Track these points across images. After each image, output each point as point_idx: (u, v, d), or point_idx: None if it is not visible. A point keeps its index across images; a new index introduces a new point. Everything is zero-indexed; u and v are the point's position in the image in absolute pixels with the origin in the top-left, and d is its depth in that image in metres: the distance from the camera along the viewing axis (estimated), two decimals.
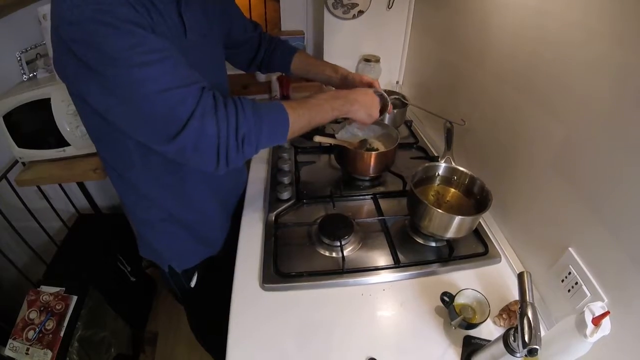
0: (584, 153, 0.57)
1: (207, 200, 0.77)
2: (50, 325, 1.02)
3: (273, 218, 0.81)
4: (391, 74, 1.34)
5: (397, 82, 1.30)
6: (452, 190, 0.80)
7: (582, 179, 0.58)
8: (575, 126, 0.59)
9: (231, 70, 1.40)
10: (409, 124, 1.19)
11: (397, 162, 0.94)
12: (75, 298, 1.07)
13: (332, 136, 0.91)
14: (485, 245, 0.76)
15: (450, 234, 0.70)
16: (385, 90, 1.17)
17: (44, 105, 0.97)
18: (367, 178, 0.94)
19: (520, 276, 0.53)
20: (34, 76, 1.09)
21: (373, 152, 0.85)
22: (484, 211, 0.68)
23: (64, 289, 1.08)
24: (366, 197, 0.88)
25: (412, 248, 0.76)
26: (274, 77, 1.22)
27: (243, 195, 0.90)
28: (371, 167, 0.88)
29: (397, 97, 1.13)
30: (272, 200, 0.85)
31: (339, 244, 0.73)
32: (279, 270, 0.70)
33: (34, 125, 1.02)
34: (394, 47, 1.29)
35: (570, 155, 0.60)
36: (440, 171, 0.80)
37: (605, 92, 0.52)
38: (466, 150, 0.94)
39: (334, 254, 0.74)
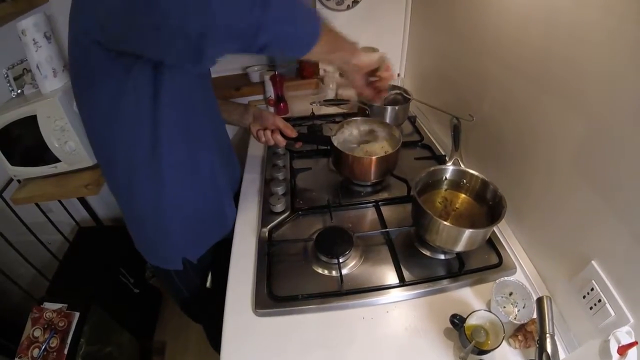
0: (610, 150, 0.49)
1: (208, 186, 0.75)
2: (54, 343, 1.01)
3: (267, 233, 0.76)
4: (391, 67, 1.25)
5: (398, 75, 1.21)
6: (462, 195, 0.73)
7: (608, 182, 0.50)
8: (598, 117, 0.51)
9: (223, 72, 1.35)
10: (412, 120, 1.11)
11: (400, 163, 0.86)
12: (77, 315, 1.06)
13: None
14: (500, 256, 0.69)
15: (460, 248, 0.63)
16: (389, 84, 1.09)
17: (31, 122, 0.95)
18: (368, 184, 0.87)
19: (539, 302, 0.46)
20: (22, 92, 1.06)
21: (374, 157, 0.78)
22: (498, 221, 0.61)
23: (66, 305, 1.07)
24: (367, 205, 0.82)
25: (419, 262, 0.70)
26: (267, 77, 1.16)
27: (239, 191, 0.89)
28: (372, 173, 0.81)
29: (398, 92, 1.05)
30: (265, 212, 0.80)
31: (336, 261, 0.67)
32: (273, 293, 0.65)
33: (24, 143, 1.00)
34: (393, 38, 1.20)
35: (594, 153, 0.52)
36: (448, 175, 0.73)
37: (631, 73, 0.44)
38: (475, 148, 0.86)
39: (333, 272, 0.68)
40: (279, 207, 0.78)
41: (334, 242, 0.70)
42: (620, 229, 0.49)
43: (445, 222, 0.60)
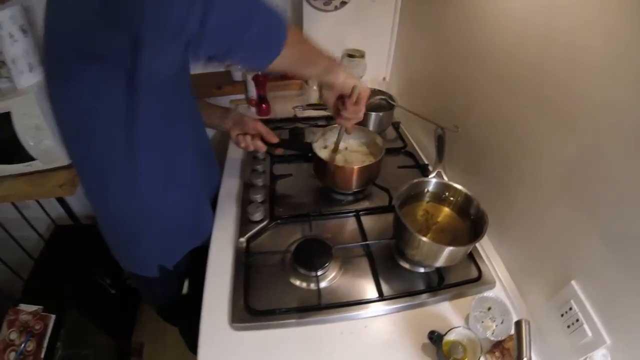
0: (600, 173, 0.49)
1: (185, 190, 0.73)
2: (30, 346, 0.98)
3: (244, 243, 0.73)
4: (377, 70, 1.24)
5: (384, 79, 1.20)
6: (444, 209, 0.72)
7: (595, 204, 0.50)
8: (591, 141, 0.50)
9: (205, 69, 1.29)
10: (396, 126, 1.10)
11: (383, 171, 0.85)
12: (53, 317, 1.03)
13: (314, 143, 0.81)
14: (479, 269, 0.69)
15: (440, 264, 0.63)
16: (371, 89, 1.08)
17: (5, 119, 0.90)
18: (350, 192, 0.85)
19: (517, 326, 0.46)
20: None
21: (355, 167, 0.76)
22: (479, 239, 0.60)
23: (42, 307, 1.04)
24: (348, 214, 0.80)
25: (398, 275, 0.69)
26: (249, 76, 1.12)
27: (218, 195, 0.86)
28: (353, 182, 0.79)
29: (383, 97, 1.03)
30: (243, 221, 0.77)
31: (315, 274, 0.66)
32: (250, 307, 0.62)
33: None
34: (381, 41, 1.18)
35: (582, 174, 0.52)
36: (431, 187, 0.72)
37: (629, 102, 0.44)
38: (459, 160, 0.86)
39: (311, 285, 0.66)
40: (257, 216, 0.76)
41: (313, 255, 0.68)
42: (602, 251, 0.49)
43: (425, 239, 0.59)
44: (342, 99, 0.66)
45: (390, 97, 1.03)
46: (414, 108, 0.99)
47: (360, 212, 0.80)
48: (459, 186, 0.69)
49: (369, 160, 0.84)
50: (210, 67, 1.27)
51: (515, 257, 0.69)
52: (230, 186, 0.87)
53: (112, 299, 1.37)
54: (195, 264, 0.80)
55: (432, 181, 0.71)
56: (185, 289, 0.86)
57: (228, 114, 0.84)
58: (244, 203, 0.80)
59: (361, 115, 0.67)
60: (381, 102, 1.04)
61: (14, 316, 1.00)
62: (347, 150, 0.87)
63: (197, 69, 1.25)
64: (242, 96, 1.21)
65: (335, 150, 0.80)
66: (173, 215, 0.72)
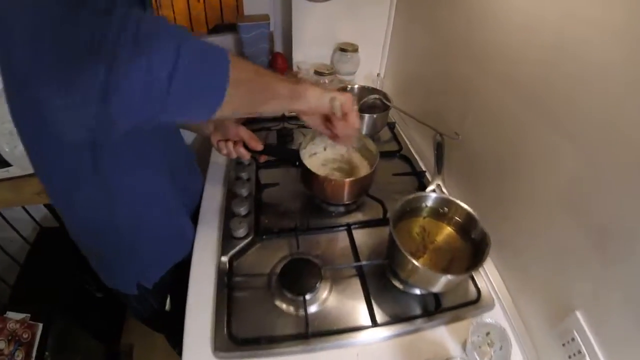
0: (605, 192, 0.45)
1: (163, 200, 0.68)
2: (19, 356, 0.95)
3: (227, 262, 0.67)
4: (371, 65, 1.16)
5: (378, 75, 1.12)
6: (443, 226, 0.67)
7: (601, 226, 0.46)
8: (594, 156, 0.46)
9: None
10: (391, 126, 1.04)
11: (377, 178, 0.79)
12: (40, 326, 1.00)
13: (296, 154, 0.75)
14: (478, 289, 0.65)
15: (436, 289, 0.59)
16: (364, 87, 1.01)
17: None
18: (341, 204, 0.80)
19: None
20: None
21: (347, 180, 0.70)
22: (479, 265, 0.56)
23: (29, 315, 1.00)
24: (339, 228, 0.75)
25: (392, 297, 0.64)
26: None
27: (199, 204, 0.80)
28: (345, 195, 0.73)
29: (377, 97, 0.96)
30: (226, 237, 0.71)
31: (302, 298, 0.61)
32: (233, 335, 0.58)
33: None
34: (375, 34, 1.10)
35: (587, 193, 0.48)
36: (429, 202, 0.67)
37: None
38: (457, 168, 0.81)
39: (300, 312, 0.61)
40: (240, 232, 0.70)
41: (300, 277, 0.63)
42: (610, 281, 0.45)
43: (420, 265, 0.54)
44: (328, 118, 0.58)
45: (385, 96, 0.96)
46: (410, 108, 0.93)
47: (352, 226, 0.75)
48: (461, 203, 0.64)
49: (362, 167, 0.78)
50: None
51: (516, 277, 0.65)
52: (213, 196, 0.81)
53: (98, 303, 1.34)
54: (177, 280, 0.75)
55: (431, 196, 0.66)
56: (167, 306, 0.81)
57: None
58: (227, 216, 0.74)
59: (356, 125, 0.58)
60: (375, 102, 0.97)
61: (2, 324, 0.96)
62: (339, 157, 0.80)
63: None
64: None
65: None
66: (148, 235, 0.68)
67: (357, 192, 0.75)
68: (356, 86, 0.99)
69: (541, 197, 0.57)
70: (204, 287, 0.65)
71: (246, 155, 0.75)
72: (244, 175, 0.82)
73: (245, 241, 0.70)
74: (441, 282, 0.56)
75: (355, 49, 1.06)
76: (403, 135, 1.02)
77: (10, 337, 0.96)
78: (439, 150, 0.75)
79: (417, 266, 0.55)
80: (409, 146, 0.98)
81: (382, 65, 1.16)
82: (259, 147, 0.74)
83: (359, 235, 0.74)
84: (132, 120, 0.35)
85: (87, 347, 1.17)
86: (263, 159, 0.78)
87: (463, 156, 0.79)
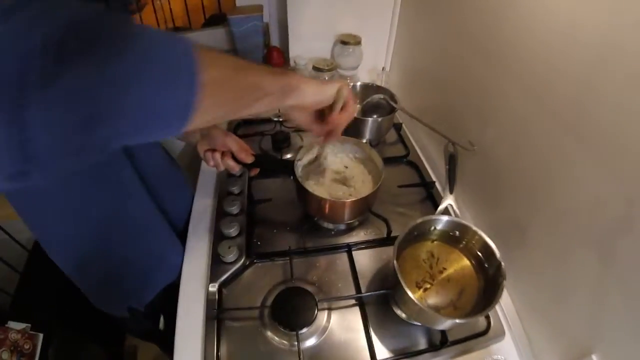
0: (637, 234, 0.38)
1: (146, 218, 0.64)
2: None
3: (216, 291, 0.62)
4: (375, 59, 1.05)
5: (383, 69, 1.02)
6: (454, 251, 0.60)
7: (628, 267, 0.40)
8: (635, 194, 0.38)
9: None
10: (398, 128, 0.95)
11: (381, 190, 0.71)
12: (41, 336, 0.99)
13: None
14: (488, 319, 0.58)
15: (441, 328, 0.52)
16: (368, 85, 0.91)
17: None
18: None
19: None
20: None
21: (347, 201, 0.62)
22: (491, 305, 0.48)
23: (29, 325, 0.99)
24: (338, 250, 0.68)
25: (395, 329, 0.58)
26: None
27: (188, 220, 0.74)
28: (345, 215, 0.66)
29: (382, 96, 0.87)
30: (215, 261, 0.65)
31: (295, 333, 0.55)
32: None
33: None
34: (379, 24, 0.99)
35: (615, 230, 0.41)
36: (439, 226, 0.59)
37: None
38: (470, 181, 0.72)
39: (293, 346, 0.56)
40: (229, 258, 0.64)
41: (294, 310, 0.57)
42: (632, 327, 0.40)
43: (425, 307, 0.48)
44: (320, 114, 0.51)
45: (392, 96, 0.86)
46: (419, 107, 0.84)
47: (353, 247, 0.68)
48: (478, 231, 0.55)
49: (366, 181, 0.70)
50: None
51: (529, 304, 0.59)
52: (201, 213, 0.74)
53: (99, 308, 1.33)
54: (170, 300, 0.71)
55: (441, 219, 0.58)
56: (161, 325, 0.77)
57: None
58: (216, 238, 0.68)
59: (354, 114, 0.52)
60: (380, 102, 0.88)
61: (4, 335, 0.95)
62: (341, 168, 0.72)
63: None
64: None
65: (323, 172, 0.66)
66: (130, 262, 0.64)
67: (358, 212, 0.68)
68: (359, 84, 0.90)
69: (563, 225, 0.50)
70: (193, 317, 0.60)
71: (235, 168, 0.68)
72: (235, 189, 0.75)
73: (235, 267, 0.64)
74: (447, 324, 0.49)
75: (357, 42, 0.96)
76: (411, 138, 0.93)
77: (12, 348, 0.95)
78: (452, 163, 0.66)
79: (421, 308, 0.48)
80: (417, 151, 0.89)
81: (388, 58, 1.06)
82: (249, 159, 0.67)
83: (360, 256, 0.67)
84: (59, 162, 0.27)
85: (89, 353, 1.17)
86: (254, 172, 0.71)
87: (477, 169, 0.70)
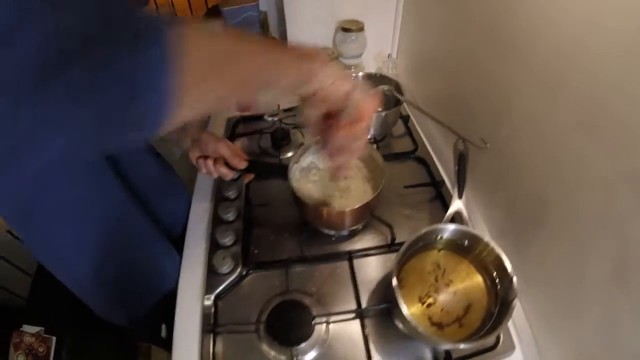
0: None
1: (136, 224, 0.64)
2: None
3: (212, 304, 0.60)
4: (381, 44, 0.97)
5: (389, 56, 0.94)
6: (462, 261, 0.55)
7: None
8: None
9: None
10: (405, 120, 0.88)
11: (385, 188, 0.66)
12: (54, 339, 1.02)
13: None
14: (497, 334, 0.54)
15: (445, 348, 0.48)
16: (371, 75, 0.84)
17: None
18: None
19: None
20: None
21: (347, 209, 0.58)
22: (500, 327, 0.44)
23: (43, 328, 1.03)
24: (338, 258, 0.64)
25: (396, 344, 0.54)
26: None
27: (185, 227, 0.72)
28: (345, 223, 0.62)
29: (387, 88, 0.80)
30: (210, 272, 0.63)
31: (291, 350, 0.53)
32: None
33: None
34: (384, 8, 0.90)
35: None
36: (446, 234, 0.54)
37: None
38: (481, 181, 0.66)
39: None
40: (225, 269, 0.61)
41: (290, 325, 0.54)
42: None
43: (423, 330, 0.44)
44: (330, 118, 0.38)
45: (398, 86, 0.79)
46: (428, 97, 0.77)
47: (354, 255, 0.64)
48: (490, 242, 0.50)
49: (368, 184, 0.65)
50: None
51: (542, 317, 0.54)
52: (198, 221, 0.72)
53: None
54: (171, 308, 0.71)
55: (449, 228, 0.53)
56: (163, 333, 0.78)
57: (187, 131, 0.66)
58: (212, 248, 0.66)
59: (364, 139, 0.40)
60: (386, 93, 0.81)
61: (19, 339, 1.00)
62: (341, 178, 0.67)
63: None
64: None
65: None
66: (127, 274, 0.64)
67: (359, 218, 0.63)
68: (360, 74, 0.83)
69: (578, 234, 0.44)
70: (189, 330, 0.59)
71: (228, 175, 0.65)
72: (231, 193, 0.72)
73: (231, 277, 0.62)
74: (452, 346, 0.45)
75: (360, 28, 0.88)
76: (419, 131, 0.86)
77: (27, 351, 0.99)
78: (461, 163, 0.60)
79: (421, 331, 0.44)
80: (427, 145, 0.82)
81: (394, 44, 0.97)
82: (241, 165, 0.64)
83: (362, 264, 0.63)
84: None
85: (102, 353, 1.18)
86: (247, 178, 0.68)
87: (490, 167, 0.64)
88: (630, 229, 0.37)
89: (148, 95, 0.21)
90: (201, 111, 0.29)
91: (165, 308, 0.73)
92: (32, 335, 1.01)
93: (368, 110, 0.37)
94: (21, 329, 1.02)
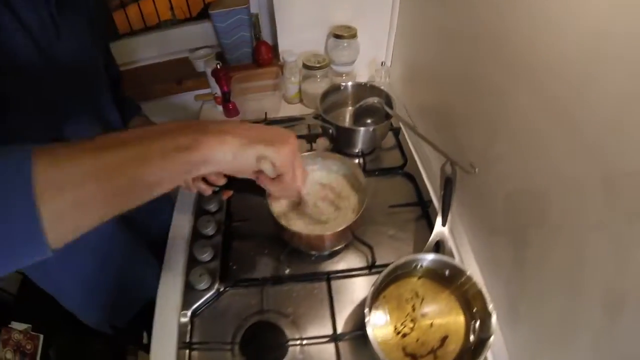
0: None
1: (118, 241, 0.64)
2: None
3: (188, 320, 0.60)
4: (375, 51, 0.94)
5: (383, 63, 0.91)
6: (442, 291, 0.53)
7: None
8: None
9: (165, 56, 1.05)
10: (396, 132, 0.86)
11: (370, 206, 0.64)
12: (42, 337, 1.03)
13: None
14: None
15: None
16: (361, 85, 0.81)
17: None
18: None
19: None
20: None
21: (327, 234, 0.57)
22: None
23: (30, 326, 1.04)
24: (316, 279, 0.63)
25: None
26: (208, 69, 0.88)
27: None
28: (325, 246, 0.61)
29: (378, 100, 0.78)
30: (188, 287, 0.62)
31: None
32: None
33: None
34: (378, 12, 0.87)
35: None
36: (425, 263, 0.53)
37: None
38: (469, 202, 0.64)
39: None
40: (201, 286, 0.61)
41: (264, 347, 0.54)
42: None
43: None
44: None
45: (388, 99, 0.77)
46: (421, 108, 0.75)
47: (332, 276, 0.62)
48: (473, 277, 0.48)
49: (351, 202, 0.64)
50: (168, 55, 1.03)
51: (525, 350, 0.52)
52: (179, 232, 0.70)
53: None
54: (151, 316, 0.72)
55: (428, 258, 0.51)
56: (145, 340, 0.78)
57: None
58: (190, 262, 0.65)
59: (297, 187, 0.41)
60: (375, 105, 0.79)
61: (7, 335, 1.01)
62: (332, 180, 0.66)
63: (153, 56, 1.02)
64: (208, 90, 0.98)
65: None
66: (108, 285, 0.65)
67: (339, 241, 0.62)
68: (350, 84, 0.81)
69: (573, 266, 0.42)
70: (167, 344, 0.58)
71: (207, 191, 0.63)
72: (212, 207, 0.71)
73: (208, 294, 0.61)
74: None
75: (352, 34, 0.85)
76: (410, 144, 0.83)
77: (15, 348, 1.00)
78: (448, 188, 0.58)
79: None
80: (416, 160, 0.80)
81: (388, 52, 0.94)
82: (220, 181, 0.62)
83: (340, 286, 0.62)
84: None
85: (90, 352, 1.18)
86: (226, 195, 0.66)
87: (477, 194, 0.62)
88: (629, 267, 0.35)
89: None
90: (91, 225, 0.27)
91: (147, 316, 0.73)
92: (21, 332, 1.02)
93: (284, 165, 0.36)
94: (10, 325, 1.02)
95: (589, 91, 0.37)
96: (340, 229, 0.55)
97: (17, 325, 1.03)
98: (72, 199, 0.23)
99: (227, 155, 0.32)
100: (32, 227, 0.22)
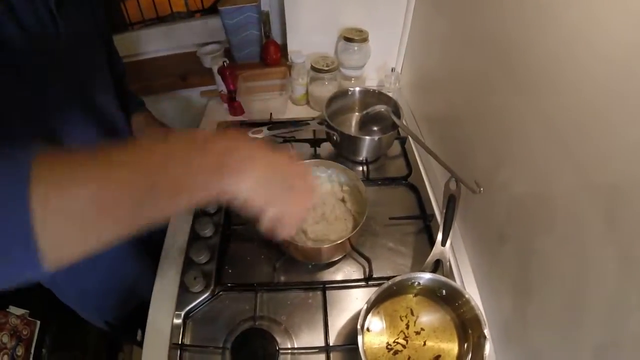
0: None
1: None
2: (20, 351, 1.00)
3: (181, 322, 0.59)
4: (386, 56, 0.92)
5: (393, 70, 0.89)
6: (437, 310, 0.52)
7: None
8: None
9: (172, 49, 1.04)
10: (402, 141, 0.84)
11: (369, 219, 0.64)
12: (38, 323, 1.03)
13: None
14: None
15: None
16: (369, 91, 0.80)
17: None
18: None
19: None
20: None
21: (323, 247, 0.56)
22: None
23: (28, 311, 1.03)
24: (311, 288, 0.62)
25: None
26: (215, 67, 0.87)
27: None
28: (322, 257, 0.60)
29: (385, 109, 0.76)
30: (182, 289, 0.62)
31: None
32: None
33: None
34: (391, 17, 0.85)
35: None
36: (422, 281, 0.52)
37: None
38: (472, 221, 0.63)
39: None
40: (196, 288, 0.60)
41: (255, 354, 0.54)
42: None
43: None
44: None
45: (396, 107, 0.75)
46: (429, 117, 0.73)
47: (328, 286, 0.62)
48: (473, 300, 0.47)
49: (351, 219, 0.63)
50: (174, 49, 1.02)
51: None
52: (176, 233, 0.70)
53: None
54: (146, 315, 0.72)
55: (425, 277, 0.51)
56: (139, 337, 0.78)
57: None
58: (186, 265, 0.64)
59: (290, 231, 0.39)
60: (382, 113, 0.77)
61: (4, 319, 1.00)
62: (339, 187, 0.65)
63: (158, 49, 1.01)
64: (214, 86, 0.97)
65: None
66: (103, 283, 0.66)
67: (336, 253, 0.61)
68: (358, 89, 0.79)
69: (575, 305, 0.40)
70: (159, 344, 0.58)
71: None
72: (211, 208, 0.70)
73: (202, 297, 0.61)
74: None
75: (364, 38, 0.83)
76: (416, 154, 0.82)
77: (12, 332, 1.01)
78: (450, 206, 0.57)
79: None
80: (421, 170, 0.79)
81: (399, 58, 0.92)
82: None
83: (335, 296, 0.61)
84: None
85: (85, 341, 1.20)
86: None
87: (480, 212, 0.60)
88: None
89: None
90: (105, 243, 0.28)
91: (141, 314, 0.73)
92: (18, 317, 1.02)
93: (291, 225, 0.36)
94: (7, 309, 1.03)
95: (608, 112, 0.35)
96: (338, 242, 0.55)
97: (14, 310, 1.04)
98: (76, 230, 0.25)
99: (239, 200, 0.31)
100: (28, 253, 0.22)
